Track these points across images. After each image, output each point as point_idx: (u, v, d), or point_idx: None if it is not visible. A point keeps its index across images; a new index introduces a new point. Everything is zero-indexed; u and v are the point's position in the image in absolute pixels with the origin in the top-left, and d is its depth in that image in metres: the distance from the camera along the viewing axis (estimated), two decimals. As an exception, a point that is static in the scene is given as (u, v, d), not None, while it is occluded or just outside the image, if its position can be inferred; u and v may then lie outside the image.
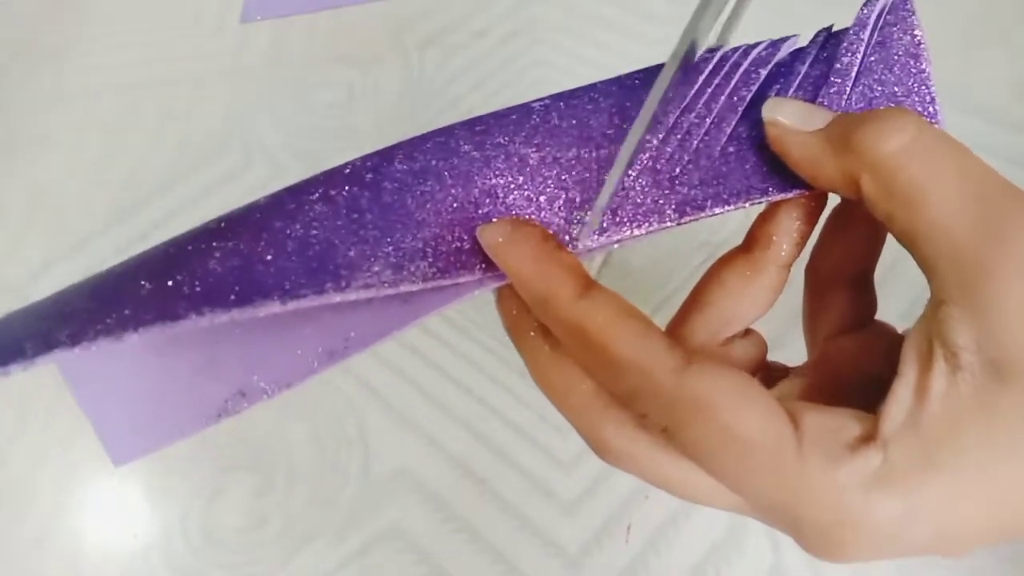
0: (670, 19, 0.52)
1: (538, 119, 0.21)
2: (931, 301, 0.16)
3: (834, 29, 0.21)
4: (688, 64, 0.20)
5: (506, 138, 0.20)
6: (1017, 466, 0.15)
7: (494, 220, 0.19)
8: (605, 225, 0.20)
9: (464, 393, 0.38)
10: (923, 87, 0.20)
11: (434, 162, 0.20)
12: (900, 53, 0.20)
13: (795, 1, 0.42)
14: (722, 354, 0.21)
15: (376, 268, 0.19)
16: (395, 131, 0.49)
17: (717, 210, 0.20)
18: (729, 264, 0.21)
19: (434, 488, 0.36)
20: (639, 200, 0.20)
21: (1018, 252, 0.15)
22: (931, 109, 0.20)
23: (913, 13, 0.21)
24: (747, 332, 0.22)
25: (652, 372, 0.17)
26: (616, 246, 0.20)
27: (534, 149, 0.20)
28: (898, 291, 0.36)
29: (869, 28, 0.20)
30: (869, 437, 0.16)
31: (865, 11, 0.20)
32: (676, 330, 0.21)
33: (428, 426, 0.38)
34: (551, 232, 0.20)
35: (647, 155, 0.20)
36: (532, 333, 0.20)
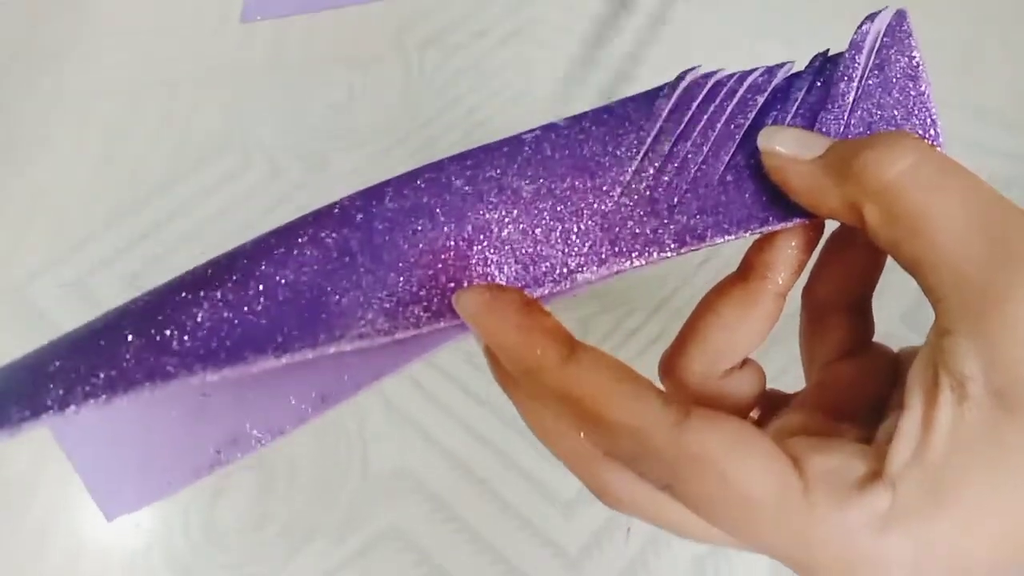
0: (671, 19, 0.52)
1: (530, 150, 0.20)
2: (935, 330, 0.16)
3: (830, 53, 0.21)
4: (671, 91, 0.20)
5: (498, 171, 0.20)
6: (1021, 493, 0.15)
7: (468, 286, 0.19)
8: (604, 256, 0.19)
9: (464, 393, 0.38)
10: (923, 109, 0.20)
11: (425, 199, 0.20)
12: (898, 76, 0.20)
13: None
14: (721, 388, 0.21)
15: (370, 315, 0.18)
16: (395, 131, 0.49)
17: (717, 240, 0.19)
18: (725, 294, 0.20)
19: (434, 488, 0.36)
20: (638, 231, 0.19)
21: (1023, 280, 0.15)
22: (932, 132, 0.20)
23: (910, 35, 0.20)
24: (745, 362, 0.21)
25: (649, 433, 0.16)
26: (615, 278, 0.20)
27: (527, 181, 0.20)
28: (898, 293, 0.36)
29: (865, 51, 0.20)
30: (875, 475, 0.16)
31: (860, 34, 0.20)
32: (673, 363, 0.21)
33: (428, 426, 0.38)
34: (532, 296, 0.19)
35: (644, 184, 0.20)
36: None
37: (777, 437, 0.17)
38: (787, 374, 0.24)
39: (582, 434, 0.18)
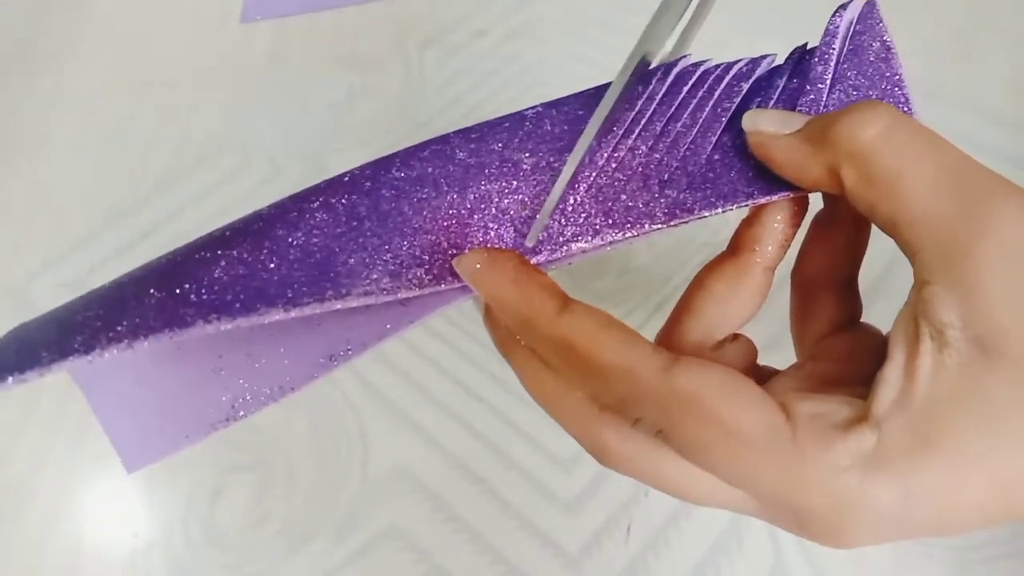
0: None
1: (531, 125, 0.21)
2: (915, 283, 0.17)
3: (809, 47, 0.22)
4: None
5: (500, 144, 0.21)
6: (1009, 441, 0.15)
7: (468, 250, 0.20)
8: (599, 227, 0.20)
9: (464, 392, 0.38)
10: (897, 89, 0.21)
11: (430, 169, 0.21)
12: (872, 59, 0.21)
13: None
14: (712, 358, 0.21)
15: (375, 275, 0.20)
16: (395, 131, 0.49)
17: (705, 213, 0.20)
18: (715, 269, 0.21)
19: (434, 488, 0.36)
20: (631, 204, 0.20)
21: (997, 230, 0.16)
22: (906, 109, 0.21)
23: (880, 21, 0.21)
24: (735, 337, 0.22)
25: (640, 374, 0.17)
26: (610, 248, 0.21)
27: (527, 154, 0.21)
28: (893, 296, 0.36)
29: (839, 38, 0.21)
30: (861, 418, 0.16)
31: (833, 23, 0.21)
32: (667, 336, 0.22)
33: (428, 426, 0.38)
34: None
35: (637, 161, 0.21)
36: (522, 345, 0.20)
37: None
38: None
39: (578, 388, 0.19)
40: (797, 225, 0.21)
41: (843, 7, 0.21)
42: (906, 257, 0.17)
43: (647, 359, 0.17)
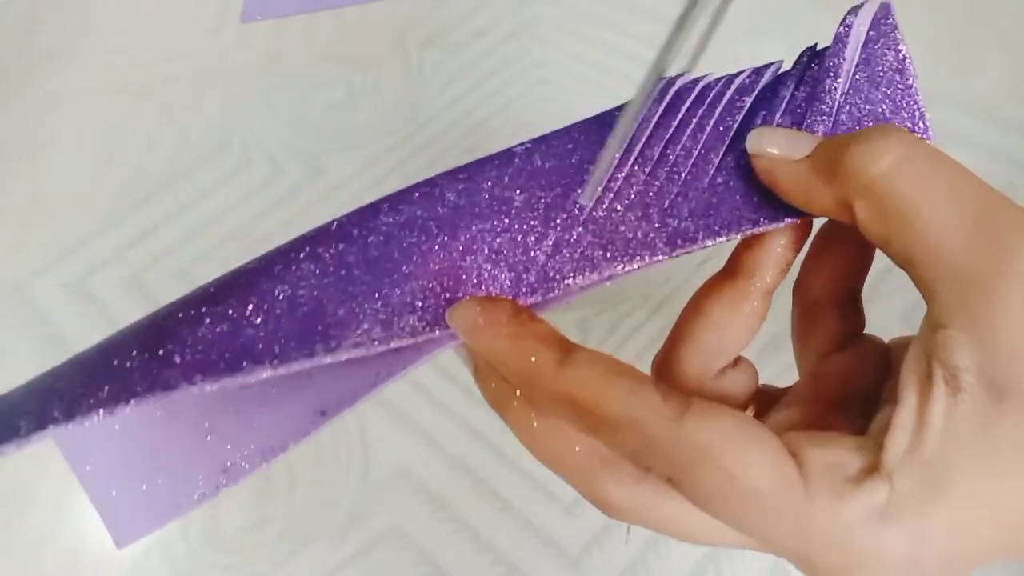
0: (670, 19, 0.52)
1: (520, 162, 0.20)
2: (928, 323, 0.16)
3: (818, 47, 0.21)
4: (661, 96, 0.20)
5: (489, 183, 0.20)
6: (1015, 483, 0.15)
7: (460, 300, 0.19)
8: (597, 261, 0.19)
9: (464, 393, 0.38)
10: (911, 102, 0.20)
11: (419, 212, 0.20)
12: (885, 69, 0.20)
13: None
14: (716, 388, 0.21)
15: (366, 326, 0.19)
16: (395, 131, 0.49)
17: (709, 242, 0.19)
18: (713, 294, 0.20)
19: (434, 488, 0.36)
20: (629, 235, 0.19)
21: (1018, 272, 0.15)
22: (921, 124, 0.20)
23: (896, 28, 0.20)
24: (737, 361, 0.21)
25: (650, 426, 0.16)
26: (609, 283, 0.20)
27: (518, 191, 0.20)
28: (898, 292, 0.36)
29: (850, 45, 0.20)
30: (872, 469, 0.16)
31: (843, 28, 0.20)
32: (667, 365, 0.21)
33: (429, 426, 0.38)
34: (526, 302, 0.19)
35: (635, 189, 0.20)
36: (515, 402, 0.19)
37: (774, 431, 0.17)
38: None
39: (585, 433, 0.18)
40: (799, 249, 0.20)
41: (854, 11, 0.20)
42: (921, 295, 0.17)
43: (656, 410, 0.16)
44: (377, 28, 0.54)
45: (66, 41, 0.56)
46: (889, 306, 0.35)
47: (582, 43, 0.52)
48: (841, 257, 0.21)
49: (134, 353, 0.17)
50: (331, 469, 0.37)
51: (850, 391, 0.20)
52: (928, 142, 0.19)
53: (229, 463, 0.20)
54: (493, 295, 0.19)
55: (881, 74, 0.20)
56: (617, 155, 0.19)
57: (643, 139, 0.20)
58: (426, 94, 0.51)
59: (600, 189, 0.19)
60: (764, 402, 0.22)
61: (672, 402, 0.17)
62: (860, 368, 0.20)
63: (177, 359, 0.17)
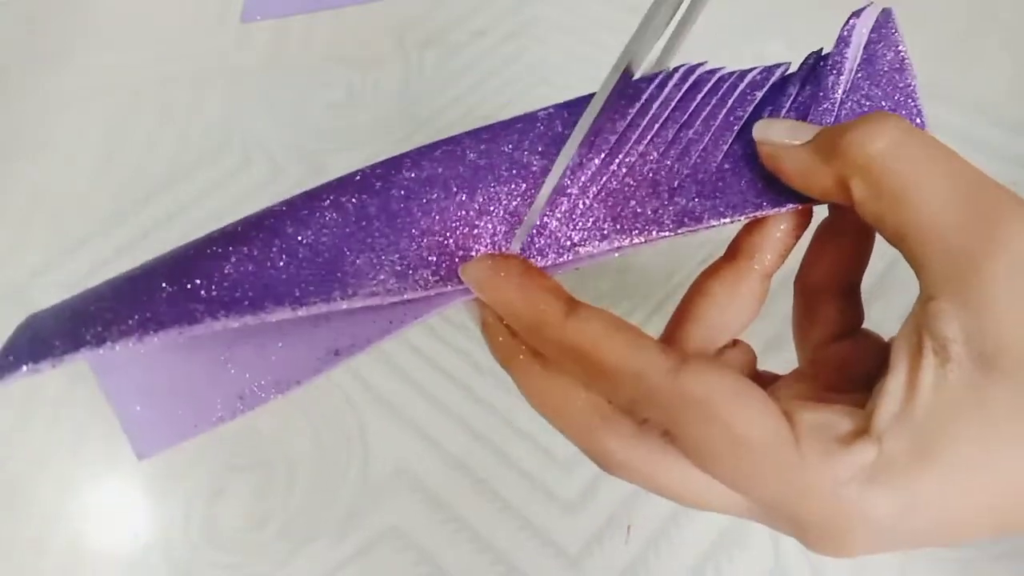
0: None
1: (543, 127, 0.21)
2: (920, 297, 0.17)
3: (823, 52, 0.22)
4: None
5: (510, 146, 0.21)
6: (1009, 456, 0.15)
7: (473, 257, 0.20)
8: (607, 232, 0.20)
9: (464, 393, 0.38)
10: (910, 100, 0.21)
11: (440, 170, 0.21)
12: (885, 69, 0.21)
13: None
14: None
15: (382, 276, 0.20)
16: (395, 131, 0.49)
17: (713, 223, 0.20)
18: (714, 275, 0.21)
19: (434, 488, 0.36)
20: (639, 210, 0.20)
21: (1006, 246, 0.15)
22: (918, 121, 0.21)
23: (895, 30, 0.21)
24: (735, 343, 0.22)
25: (648, 376, 0.17)
26: (616, 254, 0.21)
27: (538, 156, 0.21)
28: (893, 299, 0.36)
29: (852, 46, 0.21)
30: (862, 431, 0.16)
31: (846, 29, 0.21)
32: (668, 342, 0.22)
33: (428, 426, 0.38)
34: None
35: (648, 167, 0.21)
36: (521, 356, 0.20)
37: None
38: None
39: (586, 390, 0.19)
40: (798, 237, 0.21)
41: (856, 14, 0.21)
42: (913, 270, 0.17)
43: (655, 361, 0.17)
44: (377, 28, 0.54)
45: (66, 41, 0.57)
46: (888, 307, 0.35)
47: (582, 43, 0.52)
48: (840, 248, 0.22)
49: (163, 284, 0.19)
50: (331, 469, 0.37)
51: (847, 377, 0.20)
52: (923, 128, 0.20)
53: (246, 390, 0.21)
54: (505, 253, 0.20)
55: (881, 73, 0.21)
56: (569, 165, 0.20)
57: (661, 120, 0.21)
58: (426, 94, 0.51)
59: (542, 207, 0.20)
60: (760, 384, 0.22)
61: (670, 355, 0.17)
62: (857, 358, 0.21)
63: (203, 293, 0.18)
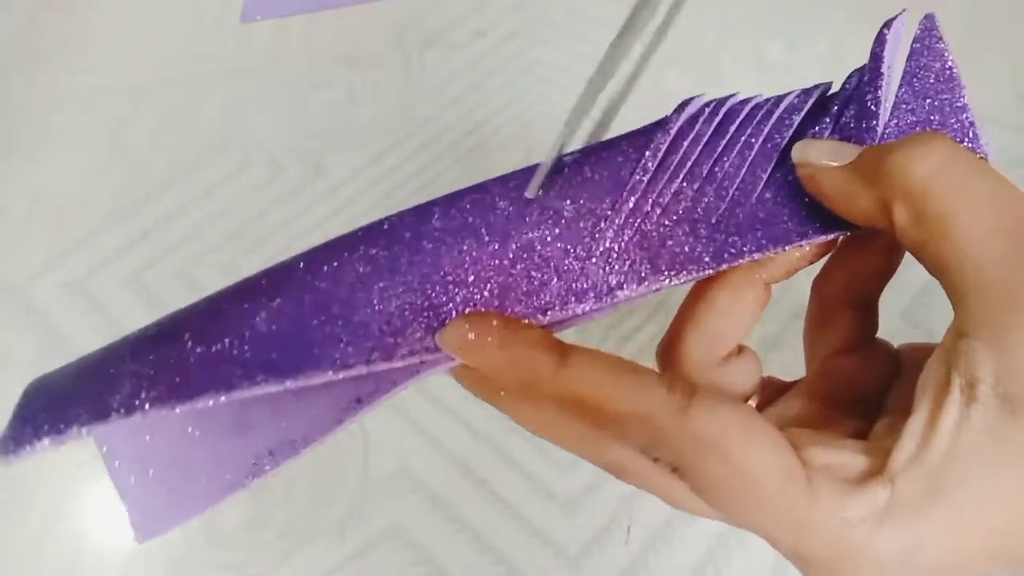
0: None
1: (569, 172, 0.21)
2: (952, 331, 0.16)
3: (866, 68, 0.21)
4: (711, 116, 0.20)
5: (540, 192, 0.20)
6: (1019, 495, 0.15)
7: (447, 322, 0.19)
8: (644, 274, 0.20)
9: (464, 393, 0.38)
10: (962, 114, 0.20)
11: (471, 219, 0.20)
12: (932, 81, 0.20)
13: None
14: (720, 377, 0.21)
15: (418, 335, 0.19)
16: (395, 131, 0.49)
17: (756, 256, 0.19)
18: (717, 281, 0.21)
19: (434, 488, 0.36)
20: (676, 250, 0.20)
21: None
22: (971, 133, 0.20)
23: (940, 39, 0.20)
24: (741, 350, 0.21)
25: (655, 419, 0.16)
26: (656, 292, 0.20)
27: (568, 201, 0.20)
28: (898, 291, 0.36)
29: (887, 59, 0.20)
30: (876, 471, 0.16)
31: (879, 44, 0.20)
32: (669, 351, 0.21)
33: (428, 426, 0.38)
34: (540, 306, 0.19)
35: (682, 205, 0.20)
36: (503, 393, 0.19)
37: (776, 425, 0.17)
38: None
39: (591, 430, 0.18)
40: (812, 262, 0.21)
41: (887, 25, 0.20)
42: (950, 303, 0.17)
43: (662, 402, 0.17)
44: (377, 28, 0.54)
45: (66, 41, 0.57)
46: (888, 306, 0.35)
47: (582, 43, 0.52)
48: (866, 262, 0.21)
49: (189, 344, 0.17)
50: (331, 469, 0.37)
51: (855, 392, 0.20)
52: (970, 150, 0.19)
53: (263, 453, 0.20)
54: (542, 303, 0.19)
55: (928, 86, 0.20)
56: (559, 148, 0.19)
57: (694, 157, 0.20)
58: (426, 94, 0.51)
59: (543, 181, 0.20)
60: (768, 393, 0.22)
61: (677, 393, 0.17)
62: (868, 371, 0.20)
63: (235, 354, 0.17)
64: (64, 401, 0.16)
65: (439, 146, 0.48)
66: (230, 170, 0.48)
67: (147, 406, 0.16)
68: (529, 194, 0.20)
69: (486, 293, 0.19)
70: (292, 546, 0.35)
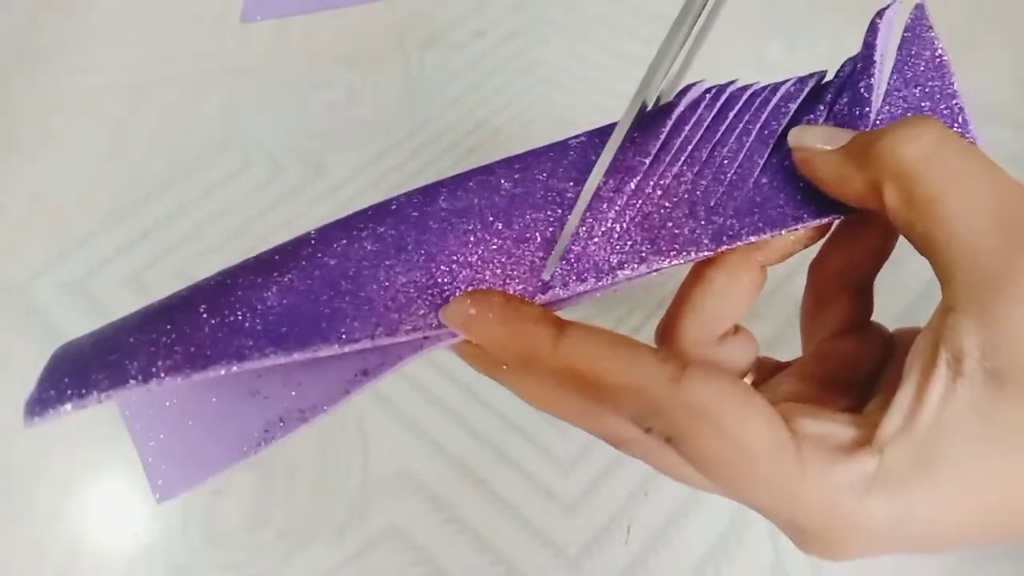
0: (669, 19, 0.52)
1: (575, 155, 0.21)
2: (941, 308, 0.17)
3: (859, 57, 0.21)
4: (712, 102, 0.21)
5: (544, 175, 0.21)
6: (1005, 466, 0.15)
7: (451, 299, 0.20)
8: (644, 254, 0.20)
9: (464, 393, 0.38)
10: (951, 101, 0.20)
11: (476, 200, 0.21)
12: (923, 69, 0.20)
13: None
14: (716, 355, 0.21)
15: (422, 311, 0.19)
16: (395, 131, 0.49)
17: (752, 238, 0.20)
18: (714, 263, 0.21)
19: (434, 488, 0.36)
20: (676, 231, 0.20)
21: None
22: (960, 119, 0.20)
23: (931, 29, 0.21)
24: (737, 330, 0.22)
25: (649, 388, 0.17)
26: (655, 274, 0.20)
27: (572, 183, 0.21)
28: (895, 292, 0.36)
29: (879, 48, 0.20)
30: (864, 441, 0.16)
31: (871, 34, 0.21)
32: (667, 330, 0.22)
33: (428, 426, 0.38)
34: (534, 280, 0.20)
35: (683, 188, 0.21)
36: (504, 367, 0.20)
37: (769, 401, 0.17)
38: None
39: (588, 403, 0.19)
40: (807, 245, 0.21)
41: (879, 14, 0.21)
42: (938, 281, 0.17)
43: (655, 372, 0.17)
44: (377, 28, 0.54)
45: (66, 41, 0.57)
46: (888, 304, 0.35)
47: (582, 43, 0.52)
48: (862, 246, 0.21)
49: (204, 315, 0.18)
50: (331, 469, 0.37)
51: (850, 373, 0.20)
52: (959, 135, 0.19)
53: (272, 421, 0.20)
54: (544, 282, 0.20)
55: (919, 74, 0.21)
56: (582, 213, 0.20)
57: (694, 141, 0.21)
58: (426, 94, 0.51)
59: (560, 258, 0.20)
60: (763, 372, 0.22)
61: (670, 364, 0.17)
62: (862, 353, 0.21)
63: (247, 326, 0.18)
64: (86, 367, 0.17)
65: (439, 146, 0.48)
66: (230, 170, 0.48)
67: (163, 374, 0.17)
68: (546, 276, 0.20)
69: (488, 272, 0.20)
70: (292, 546, 0.35)
